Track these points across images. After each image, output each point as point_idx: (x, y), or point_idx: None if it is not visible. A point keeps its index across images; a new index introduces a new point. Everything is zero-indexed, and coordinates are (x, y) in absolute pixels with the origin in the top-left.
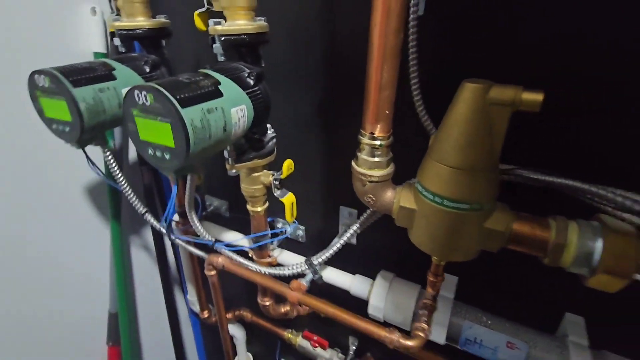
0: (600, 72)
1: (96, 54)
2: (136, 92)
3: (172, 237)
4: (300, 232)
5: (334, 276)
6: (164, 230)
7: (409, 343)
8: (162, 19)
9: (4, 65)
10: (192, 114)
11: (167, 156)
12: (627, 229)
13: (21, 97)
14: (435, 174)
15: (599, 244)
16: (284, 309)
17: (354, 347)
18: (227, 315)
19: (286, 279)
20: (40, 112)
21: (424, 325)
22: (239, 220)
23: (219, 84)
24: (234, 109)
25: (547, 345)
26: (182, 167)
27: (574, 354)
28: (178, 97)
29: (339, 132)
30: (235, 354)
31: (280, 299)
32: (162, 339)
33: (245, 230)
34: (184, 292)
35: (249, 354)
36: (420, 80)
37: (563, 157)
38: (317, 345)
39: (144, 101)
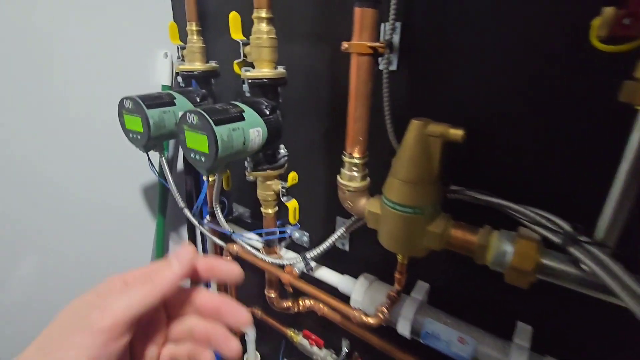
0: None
1: (163, 86)
2: (188, 114)
3: (200, 222)
4: (305, 238)
5: (326, 275)
6: (193, 219)
7: (369, 320)
8: (213, 64)
9: (104, 91)
10: (222, 131)
11: (202, 159)
12: (533, 236)
13: (110, 113)
14: (391, 185)
15: (510, 248)
16: (286, 303)
17: (346, 350)
18: None
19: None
20: (123, 125)
21: (384, 309)
22: (258, 226)
23: (243, 111)
24: (252, 129)
25: (493, 344)
26: (212, 167)
27: (514, 353)
28: (214, 118)
29: (335, 153)
30: (244, 350)
31: (282, 294)
32: None
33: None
34: (207, 285)
35: (257, 353)
36: (392, 115)
37: (498, 181)
38: (313, 343)
39: (192, 120)
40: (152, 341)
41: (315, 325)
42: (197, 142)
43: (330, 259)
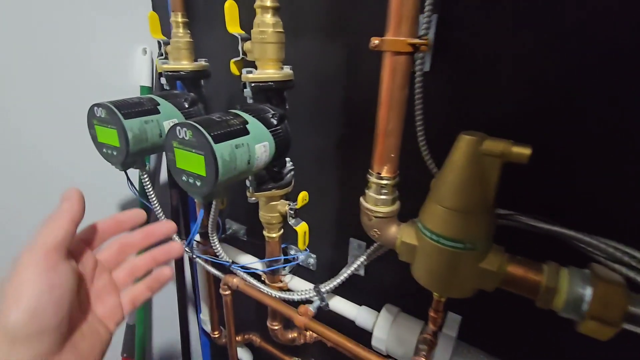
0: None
1: (142, 87)
2: (178, 128)
3: (194, 255)
4: (312, 260)
5: (340, 305)
6: (187, 249)
7: None
8: (202, 62)
9: (68, 96)
10: (222, 149)
11: (198, 183)
12: (617, 278)
13: (76, 123)
14: (434, 213)
15: (588, 291)
16: (292, 334)
17: None
18: (237, 338)
19: (295, 304)
20: (94, 138)
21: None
22: (255, 245)
23: (247, 123)
24: (258, 145)
25: None
26: (210, 193)
27: None
28: (212, 134)
29: (351, 168)
30: None
31: (288, 324)
32: (172, 355)
33: (259, 254)
34: (197, 310)
35: None
36: (426, 128)
37: (562, 206)
38: None
39: (184, 136)
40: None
41: (323, 355)
42: (191, 162)
43: (342, 285)
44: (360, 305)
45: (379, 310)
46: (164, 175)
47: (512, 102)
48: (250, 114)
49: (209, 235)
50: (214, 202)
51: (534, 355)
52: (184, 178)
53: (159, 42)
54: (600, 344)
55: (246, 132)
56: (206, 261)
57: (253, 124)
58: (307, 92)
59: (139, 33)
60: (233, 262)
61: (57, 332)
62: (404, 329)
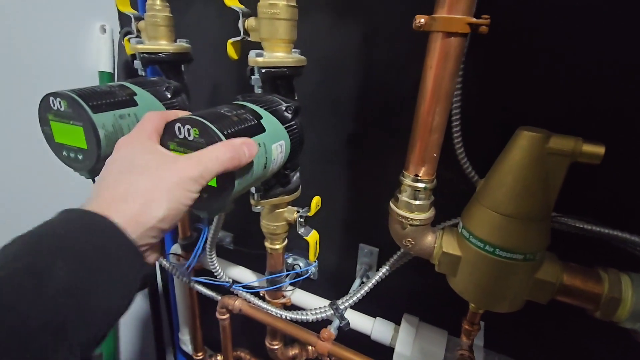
0: None
1: (102, 73)
2: (178, 125)
3: (188, 279)
4: (312, 269)
5: (352, 318)
6: (182, 275)
7: None
8: (184, 44)
9: (4, 80)
10: None
11: (206, 195)
12: None
13: (20, 112)
14: (486, 221)
15: None
16: (292, 352)
17: None
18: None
19: (307, 324)
20: (49, 137)
21: None
22: (242, 254)
23: (261, 117)
24: (275, 144)
25: None
26: (222, 206)
27: None
28: (225, 133)
29: (365, 166)
30: None
31: (289, 340)
32: None
33: (249, 264)
34: (174, 329)
35: None
36: (463, 117)
37: (611, 206)
38: None
39: (186, 135)
40: None
41: None
42: None
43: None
44: (375, 318)
45: (392, 320)
46: None
47: (558, 95)
48: (261, 106)
49: (207, 253)
50: (217, 217)
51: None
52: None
53: (122, 19)
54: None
55: (262, 129)
56: (203, 284)
57: (267, 118)
58: (312, 81)
59: (96, 6)
60: (234, 282)
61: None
62: (428, 341)
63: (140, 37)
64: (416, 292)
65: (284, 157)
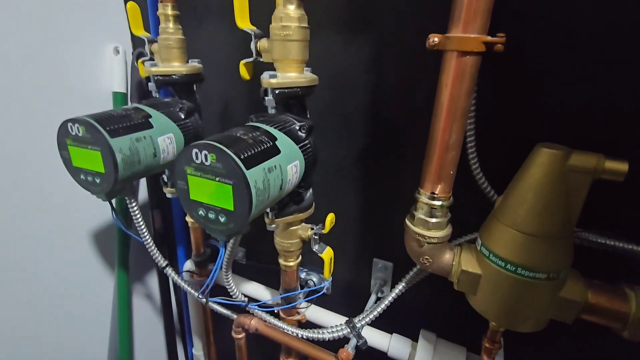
0: None
1: (115, 94)
2: (195, 150)
3: (206, 300)
4: (327, 284)
5: (368, 335)
6: (199, 296)
7: None
8: (196, 64)
9: (21, 101)
10: (255, 176)
11: (222, 219)
12: None
13: (35, 133)
14: (507, 239)
15: None
16: None
17: None
18: None
19: (323, 343)
20: (67, 161)
21: None
22: (253, 268)
23: (276, 139)
24: (290, 165)
25: None
26: (240, 228)
27: None
28: (242, 157)
29: (377, 181)
30: None
31: (303, 357)
32: None
33: (260, 278)
34: (187, 344)
35: None
36: (477, 133)
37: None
38: None
39: (203, 160)
40: None
41: None
42: (215, 194)
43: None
44: (392, 334)
45: (407, 336)
46: (142, 193)
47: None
48: (274, 126)
49: (224, 272)
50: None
51: None
52: (201, 212)
53: (134, 41)
54: None
55: (277, 151)
56: (220, 304)
57: (282, 139)
58: (323, 97)
59: (110, 29)
60: (250, 300)
61: None
62: (447, 359)
63: (154, 59)
64: (432, 307)
65: (298, 177)
